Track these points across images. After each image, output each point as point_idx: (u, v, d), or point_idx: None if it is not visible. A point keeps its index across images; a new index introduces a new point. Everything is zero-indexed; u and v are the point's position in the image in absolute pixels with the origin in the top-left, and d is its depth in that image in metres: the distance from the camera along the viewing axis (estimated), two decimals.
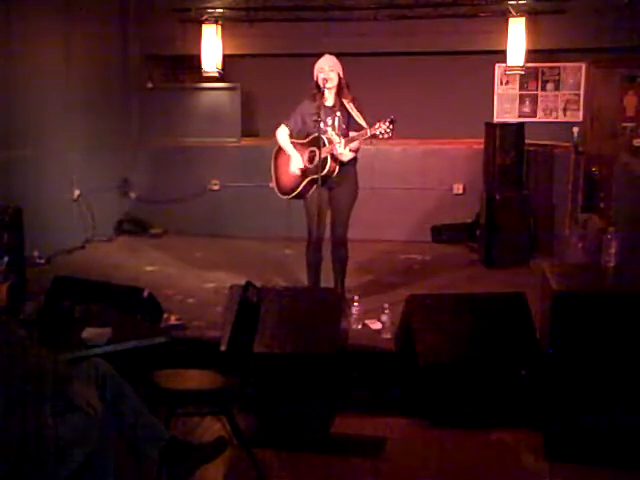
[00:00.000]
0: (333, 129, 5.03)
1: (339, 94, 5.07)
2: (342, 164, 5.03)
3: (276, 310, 4.18)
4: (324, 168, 4.94)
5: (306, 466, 3.58)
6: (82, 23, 7.34)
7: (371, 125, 4.86)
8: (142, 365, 3.51)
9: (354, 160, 5.13)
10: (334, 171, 5.02)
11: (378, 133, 4.81)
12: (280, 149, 5.28)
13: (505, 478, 3.54)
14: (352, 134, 5.00)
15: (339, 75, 5.04)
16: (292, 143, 5.17)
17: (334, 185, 5.12)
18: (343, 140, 4.94)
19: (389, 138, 4.86)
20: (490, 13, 7.65)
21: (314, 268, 5.24)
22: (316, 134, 4.89)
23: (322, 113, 4.89)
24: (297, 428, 3.90)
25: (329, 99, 5.07)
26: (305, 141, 5.12)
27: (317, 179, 4.90)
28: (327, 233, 5.27)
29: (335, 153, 4.94)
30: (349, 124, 5.05)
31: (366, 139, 4.92)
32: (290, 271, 6.25)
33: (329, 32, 7.69)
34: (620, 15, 7.20)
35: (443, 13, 7.64)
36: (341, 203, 5.18)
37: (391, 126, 4.78)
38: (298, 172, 5.10)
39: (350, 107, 5.04)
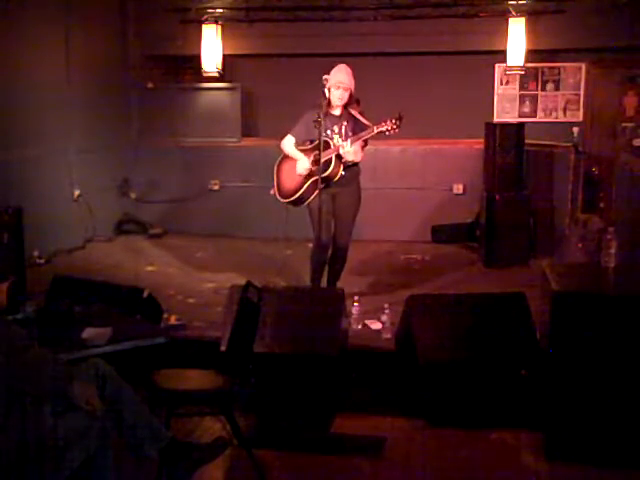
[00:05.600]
0: (340, 136, 5.02)
1: (346, 105, 5.06)
2: (346, 169, 5.02)
3: (276, 310, 4.18)
4: (327, 169, 4.94)
5: (306, 466, 3.59)
6: (82, 23, 7.34)
7: (377, 124, 4.87)
8: (142, 365, 3.51)
9: (357, 168, 5.13)
10: (337, 173, 5.01)
11: (384, 130, 4.82)
12: (283, 159, 5.25)
13: (505, 478, 3.54)
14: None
15: (351, 91, 5.01)
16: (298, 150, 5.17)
17: (338, 193, 5.11)
18: (349, 140, 4.94)
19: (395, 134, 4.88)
20: (490, 13, 7.64)
21: (318, 274, 5.24)
22: (322, 139, 4.87)
23: (328, 120, 4.90)
24: (297, 428, 3.90)
25: (336, 109, 5.06)
26: (309, 147, 5.10)
27: (319, 180, 4.89)
28: None
29: (342, 152, 4.93)
30: (355, 131, 5.03)
31: (372, 136, 4.92)
32: (290, 271, 6.25)
33: (329, 32, 7.69)
34: (620, 15, 7.20)
35: (443, 13, 7.63)
36: (345, 212, 5.19)
37: (398, 122, 4.78)
38: (304, 172, 5.07)
39: (355, 113, 5.03)
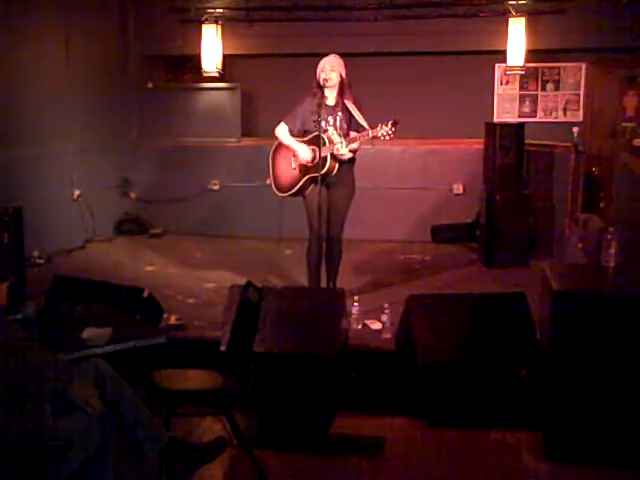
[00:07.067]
0: (335, 128, 5.03)
1: (341, 94, 5.07)
2: (341, 163, 5.04)
3: (276, 310, 4.17)
4: (324, 166, 4.95)
5: (306, 466, 3.59)
6: (82, 23, 7.34)
7: (373, 126, 4.86)
8: (142, 365, 3.51)
9: (352, 160, 5.14)
10: (333, 170, 5.03)
11: (380, 135, 4.81)
12: (279, 146, 5.27)
13: (505, 478, 3.54)
14: (353, 134, 5.00)
15: (341, 75, 5.03)
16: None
17: (332, 184, 5.12)
18: (344, 140, 4.94)
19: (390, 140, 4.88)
20: (490, 13, 7.64)
21: (315, 268, 5.24)
22: (316, 133, 4.90)
23: (323, 112, 4.89)
24: (297, 428, 3.90)
25: (330, 98, 5.07)
26: (305, 139, 5.12)
27: (317, 178, 4.90)
28: None
29: (336, 153, 4.95)
30: (350, 124, 5.05)
31: (367, 140, 4.93)
32: (290, 271, 6.25)
33: (329, 32, 7.69)
34: (620, 15, 7.20)
35: (443, 13, 7.64)
36: (338, 203, 5.19)
37: (393, 128, 4.78)
38: (309, 162, 5.06)
39: (352, 107, 5.04)
